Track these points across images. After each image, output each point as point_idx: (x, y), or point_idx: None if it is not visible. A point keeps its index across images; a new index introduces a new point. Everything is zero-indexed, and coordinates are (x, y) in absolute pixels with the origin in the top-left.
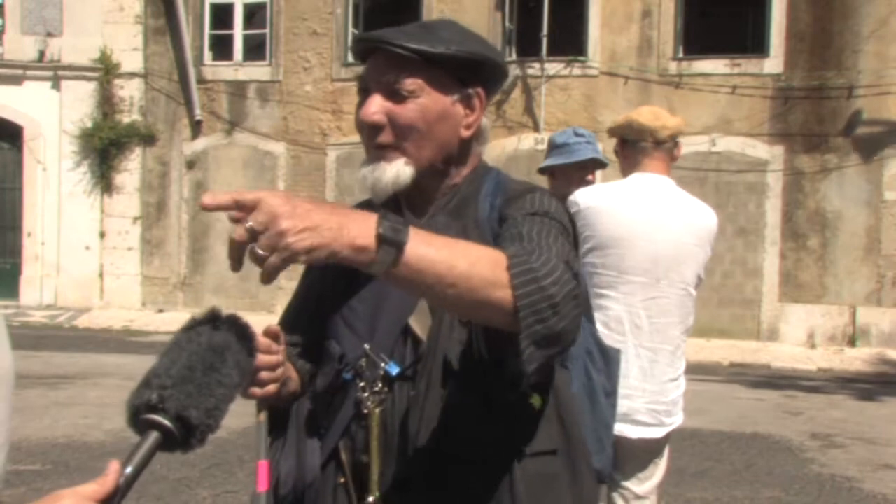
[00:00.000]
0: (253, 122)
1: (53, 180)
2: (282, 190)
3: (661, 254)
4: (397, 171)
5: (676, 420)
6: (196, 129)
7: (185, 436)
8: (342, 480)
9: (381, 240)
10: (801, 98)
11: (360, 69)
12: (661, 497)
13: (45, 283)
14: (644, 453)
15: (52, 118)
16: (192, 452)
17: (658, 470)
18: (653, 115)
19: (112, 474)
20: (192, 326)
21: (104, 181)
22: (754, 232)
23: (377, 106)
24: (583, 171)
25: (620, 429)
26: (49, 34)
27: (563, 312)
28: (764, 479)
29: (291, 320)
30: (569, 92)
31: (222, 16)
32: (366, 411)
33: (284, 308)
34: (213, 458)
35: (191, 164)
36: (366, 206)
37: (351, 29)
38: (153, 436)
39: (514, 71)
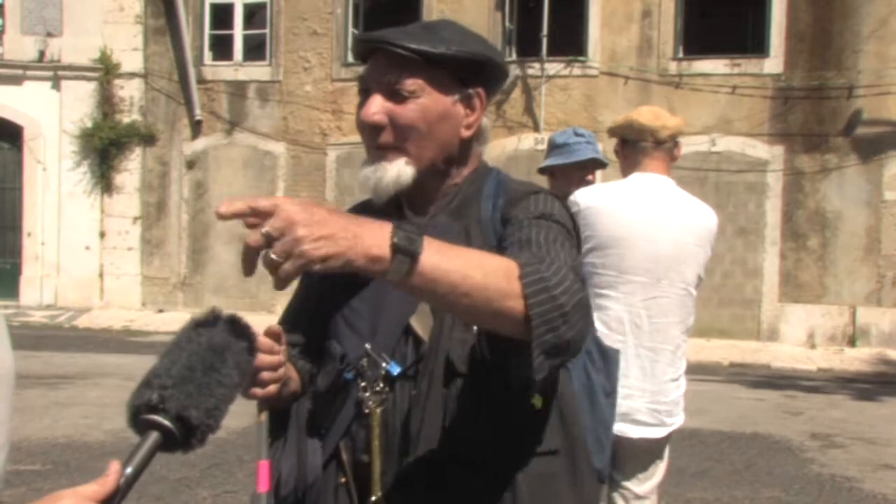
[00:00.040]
0: (253, 122)
1: (53, 180)
2: (299, 198)
3: (661, 254)
4: (398, 171)
5: (678, 420)
6: (196, 129)
7: (185, 436)
8: (343, 480)
9: (396, 249)
10: (801, 98)
11: (360, 69)
12: (661, 497)
13: (45, 283)
14: (645, 453)
15: (52, 118)
16: (192, 452)
17: (658, 470)
18: (653, 115)
19: (113, 474)
20: (193, 327)
21: (104, 181)
22: (754, 232)
23: (378, 106)
24: (583, 172)
25: (621, 428)
26: (49, 34)
27: (573, 322)
28: (764, 479)
29: (292, 320)
30: (569, 92)
31: (222, 16)
32: (367, 411)
33: (285, 308)
34: (213, 458)
35: (191, 164)
36: (366, 206)
37: (351, 29)
38: (153, 436)
39: (514, 71)
